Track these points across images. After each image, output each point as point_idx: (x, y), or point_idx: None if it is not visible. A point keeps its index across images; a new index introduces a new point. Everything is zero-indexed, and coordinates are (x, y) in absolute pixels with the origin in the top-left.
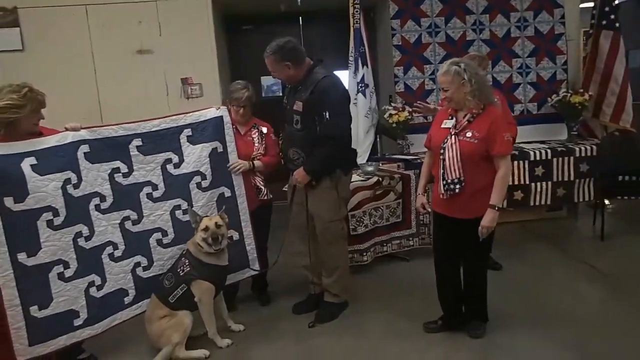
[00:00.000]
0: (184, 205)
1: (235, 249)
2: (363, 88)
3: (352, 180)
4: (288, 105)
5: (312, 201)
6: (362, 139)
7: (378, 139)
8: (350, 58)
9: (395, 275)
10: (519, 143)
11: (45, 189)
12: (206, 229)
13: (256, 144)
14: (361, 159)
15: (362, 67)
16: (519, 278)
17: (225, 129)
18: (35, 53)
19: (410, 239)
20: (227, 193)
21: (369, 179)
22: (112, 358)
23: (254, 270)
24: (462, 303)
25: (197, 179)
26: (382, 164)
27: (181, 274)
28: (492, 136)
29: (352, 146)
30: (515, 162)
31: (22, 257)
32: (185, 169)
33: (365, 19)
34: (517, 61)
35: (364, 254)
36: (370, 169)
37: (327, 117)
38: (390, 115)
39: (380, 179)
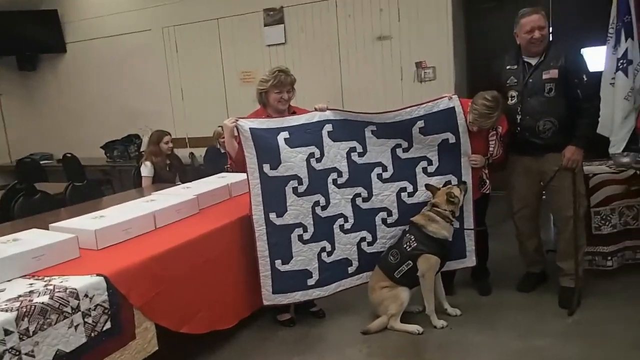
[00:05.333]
0: (410, 188)
1: (454, 237)
2: (625, 65)
3: (598, 171)
4: (530, 78)
5: (578, 176)
6: (618, 125)
7: None
8: (610, 30)
9: None
10: None
11: (293, 160)
12: (461, 190)
13: (491, 148)
14: (615, 148)
15: (626, 40)
16: None
17: (458, 119)
18: (295, 45)
19: None
20: (454, 181)
21: (622, 171)
22: (337, 314)
23: (470, 262)
24: None
25: (424, 164)
26: None
27: (408, 250)
28: None
29: (606, 134)
30: None
31: (272, 216)
32: (413, 153)
33: None
34: None
35: (609, 258)
36: (625, 160)
37: (586, 79)
38: None
39: (639, 172)
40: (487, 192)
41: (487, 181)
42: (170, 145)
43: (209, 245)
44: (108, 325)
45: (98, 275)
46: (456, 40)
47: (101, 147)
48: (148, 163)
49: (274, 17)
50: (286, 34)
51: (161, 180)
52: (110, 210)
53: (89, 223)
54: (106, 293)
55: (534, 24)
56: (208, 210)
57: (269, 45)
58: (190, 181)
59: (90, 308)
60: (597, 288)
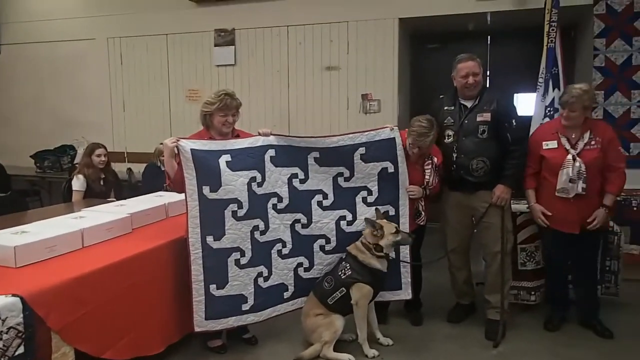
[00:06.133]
0: (349, 217)
1: (389, 269)
2: (551, 112)
3: (525, 210)
4: (466, 119)
5: (506, 213)
6: None
7: None
8: (540, 80)
9: (570, 321)
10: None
11: (234, 183)
12: (397, 232)
13: (427, 177)
14: None
15: (553, 89)
16: None
17: (397, 150)
18: (244, 67)
19: None
20: (392, 212)
21: None
22: (269, 341)
23: (405, 294)
24: None
25: (364, 193)
26: None
27: (342, 277)
28: None
29: None
30: None
31: (209, 239)
32: (354, 183)
33: (562, 38)
34: None
35: (532, 293)
36: None
37: (515, 123)
38: None
39: None
40: (422, 223)
41: (423, 213)
42: (103, 158)
43: (139, 267)
44: (21, 350)
45: (14, 295)
46: (401, 76)
47: (31, 156)
48: (80, 176)
49: (225, 38)
50: (236, 56)
51: (94, 194)
52: (35, 225)
53: (8, 238)
54: (21, 315)
55: (469, 70)
56: (142, 230)
57: (218, 66)
58: (126, 198)
59: (2, 331)
60: (521, 321)
